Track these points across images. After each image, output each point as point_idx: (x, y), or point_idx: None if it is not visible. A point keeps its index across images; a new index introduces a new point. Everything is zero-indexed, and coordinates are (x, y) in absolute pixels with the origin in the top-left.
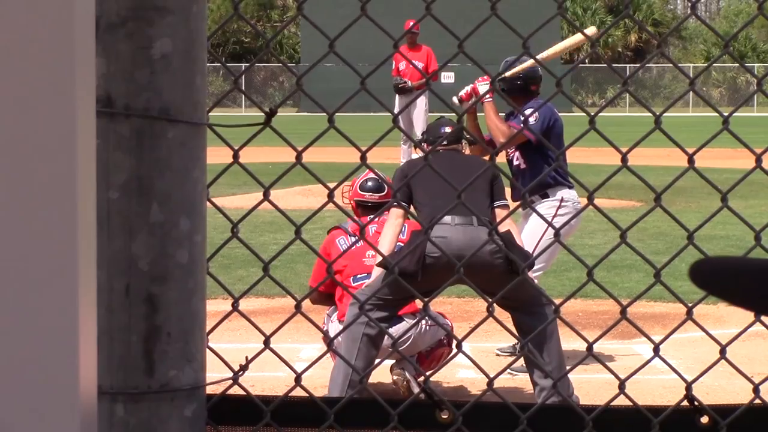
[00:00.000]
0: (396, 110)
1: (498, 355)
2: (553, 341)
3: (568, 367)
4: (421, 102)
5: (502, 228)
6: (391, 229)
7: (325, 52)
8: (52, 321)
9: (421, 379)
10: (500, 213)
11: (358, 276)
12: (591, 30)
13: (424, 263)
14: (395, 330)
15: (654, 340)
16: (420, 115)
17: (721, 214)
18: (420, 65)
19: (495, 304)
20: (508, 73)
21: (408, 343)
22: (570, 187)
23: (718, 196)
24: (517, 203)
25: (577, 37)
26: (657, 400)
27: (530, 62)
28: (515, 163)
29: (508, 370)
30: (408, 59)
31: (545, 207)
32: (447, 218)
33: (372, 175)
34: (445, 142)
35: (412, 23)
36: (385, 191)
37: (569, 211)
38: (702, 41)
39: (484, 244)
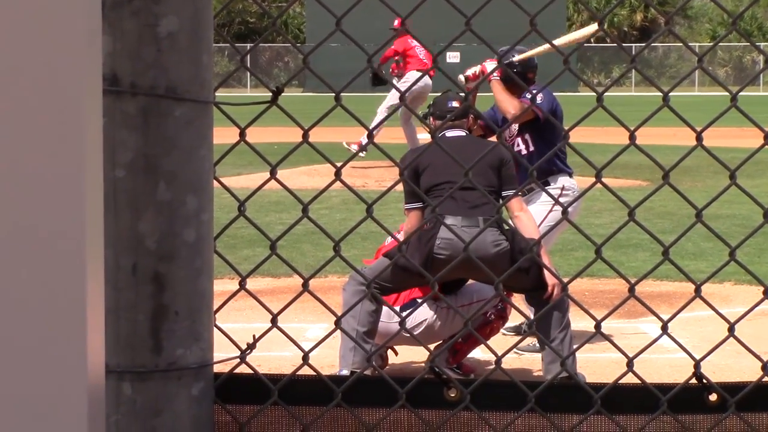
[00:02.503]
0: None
1: (504, 334)
2: (563, 320)
3: (575, 346)
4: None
5: (514, 218)
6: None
7: (330, 32)
8: (60, 300)
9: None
10: (511, 203)
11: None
12: (593, 27)
13: (432, 261)
14: (413, 317)
15: (662, 318)
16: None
17: (727, 194)
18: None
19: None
20: (518, 57)
21: (422, 328)
22: (570, 175)
23: (724, 176)
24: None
25: (589, 29)
26: (664, 378)
27: (544, 47)
28: (516, 149)
29: (515, 349)
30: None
31: (546, 195)
32: (452, 219)
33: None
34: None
35: (396, 21)
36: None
37: (569, 200)
38: (708, 20)
39: (480, 230)
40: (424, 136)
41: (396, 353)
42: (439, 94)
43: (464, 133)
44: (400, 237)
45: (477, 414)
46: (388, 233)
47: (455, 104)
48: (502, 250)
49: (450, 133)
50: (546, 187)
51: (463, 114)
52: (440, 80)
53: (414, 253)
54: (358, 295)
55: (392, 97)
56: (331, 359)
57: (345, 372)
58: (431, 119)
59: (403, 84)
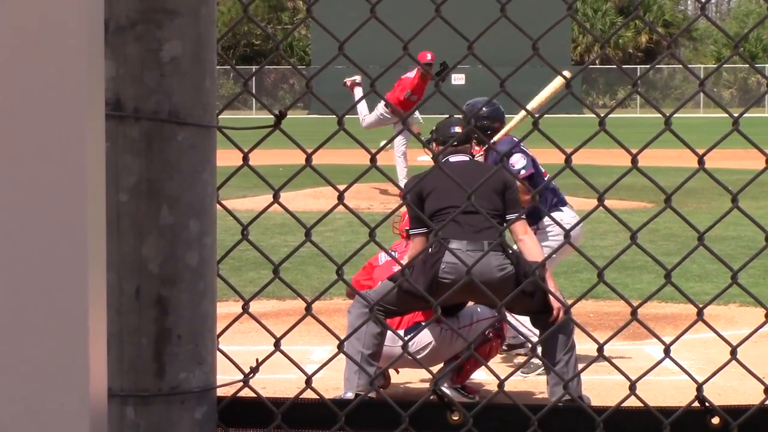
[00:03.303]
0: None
1: (505, 350)
2: (568, 342)
3: (579, 368)
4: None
5: (518, 241)
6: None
7: (334, 54)
8: (62, 323)
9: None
10: (515, 226)
11: None
12: (560, 80)
13: (437, 285)
14: (417, 341)
15: (665, 341)
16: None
17: (732, 215)
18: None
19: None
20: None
21: (427, 351)
22: (562, 209)
23: (728, 197)
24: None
25: (557, 82)
26: (668, 401)
27: (519, 116)
28: None
29: (519, 372)
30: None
31: (554, 230)
32: (457, 243)
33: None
34: (455, 143)
35: (429, 55)
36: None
37: (558, 231)
38: (713, 42)
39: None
40: (424, 158)
41: (397, 372)
42: (443, 119)
43: (467, 158)
44: (395, 254)
45: None
46: (391, 257)
47: (458, 129)
48: (507, 274)
49: (453, 158)
50: (546, 226)
51: (466, 139)
52: (442, 103)
53: (418, 276)
54: (362, 318)
55: (399, 144)
56: (336, 382)
57: (350, 395)
58: (434, 144)
59: (389, 115)
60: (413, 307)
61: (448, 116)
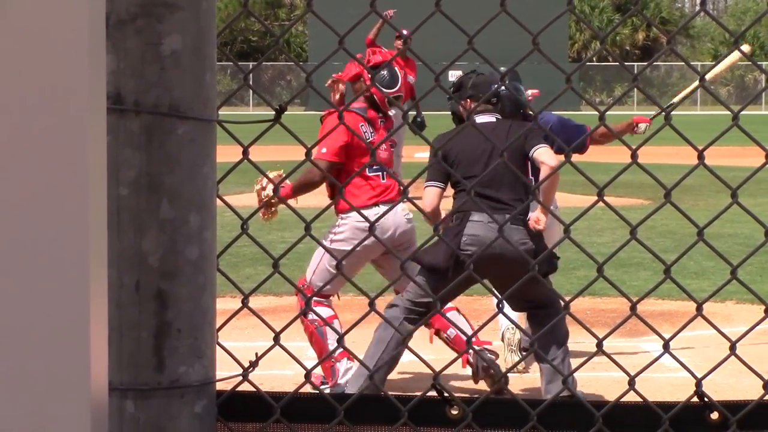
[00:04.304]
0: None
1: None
2: (562, 339)
3: (575, 364)
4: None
5: (543, 167)
6: (430, 221)
7: (332, 51)
8: (63, 317)
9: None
10: (540, 155)
11: (375, 167)
12: (746, 47)
13: (456, 259)
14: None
15: (664, 337)
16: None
17: (729, 212)
18: (413, 80)
19: (512, 307)
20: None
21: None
22: None
23: (726, 195)
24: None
25: (735, 55)
26: (666, 397)
27: (694, 86)
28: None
29: (517, 368)
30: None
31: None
32: (479, 215)
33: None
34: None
35: (405, 32)
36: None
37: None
38: (710, 39)
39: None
40: (421, 155)
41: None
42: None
43: (494, 119)
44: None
45: None
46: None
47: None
48: (527, 250)
49: (480, 119)
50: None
51: (496, 99)
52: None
53: (439, 251)
54: (396, 322)
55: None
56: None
57: (348, 390)
58: (468, 101)
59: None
60: (444, 287)
61: (475, 72)
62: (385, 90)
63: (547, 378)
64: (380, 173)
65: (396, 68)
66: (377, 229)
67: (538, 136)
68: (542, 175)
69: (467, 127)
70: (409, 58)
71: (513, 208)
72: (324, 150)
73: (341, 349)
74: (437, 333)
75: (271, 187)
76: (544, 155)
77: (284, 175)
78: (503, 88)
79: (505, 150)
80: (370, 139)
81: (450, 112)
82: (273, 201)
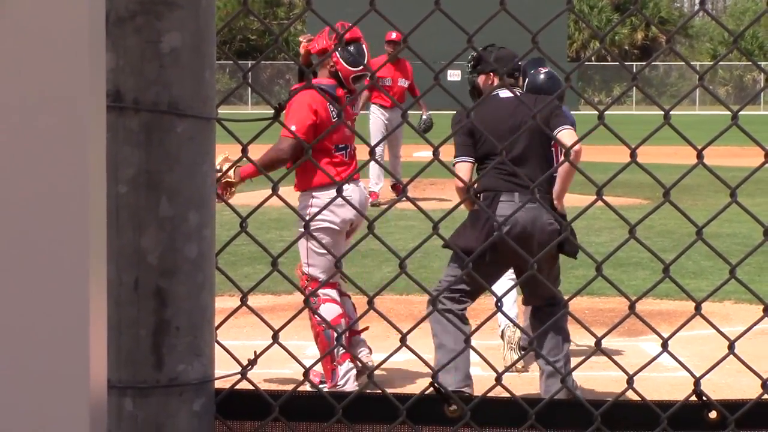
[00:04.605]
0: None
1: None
2: (564, 339)
3: (574, 364)
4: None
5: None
6: (462, 197)
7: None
8: (62, 315)
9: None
10: (563, 137)
11: (341, 146)
12: None
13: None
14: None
15: (662, 335)
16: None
17: (727, 212)
18: (406, 83)
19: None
20: None
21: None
22: None
23: (724, 194)
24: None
25: None
26: (664, 397)
27: None
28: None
29: (516, 366)
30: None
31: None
32: (508, 196)
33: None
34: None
35: (393, 35)
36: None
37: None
38: (708, 39)
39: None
40: (420, 154)
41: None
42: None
43: (512, 95)
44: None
45: (477, 430)
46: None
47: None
48: (555, 230)
49: (503, 94)
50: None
51: (513, 72)
52: (441, 97)
53: (471, 236)
54: (443, 320)
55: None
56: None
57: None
58: (491, 75)
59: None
60: (485, 275)
61: (494, 45)
62: (349, 67)
63: (546, 376)
64: (344, 151)
65: (364, 46)
66: (347, 206)
67: (563, 116)
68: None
69: (493, 101)
70: (400, 61)
71: (540, 187)
72: (294, 128)
73: (344, 351)
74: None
75: (227, 167)
76: (567, 137)
77: (232, 159)
78: (542, 75)
79: (532, 124)
80: (335, 118)
81: (469, 87)
82: (233, 181)
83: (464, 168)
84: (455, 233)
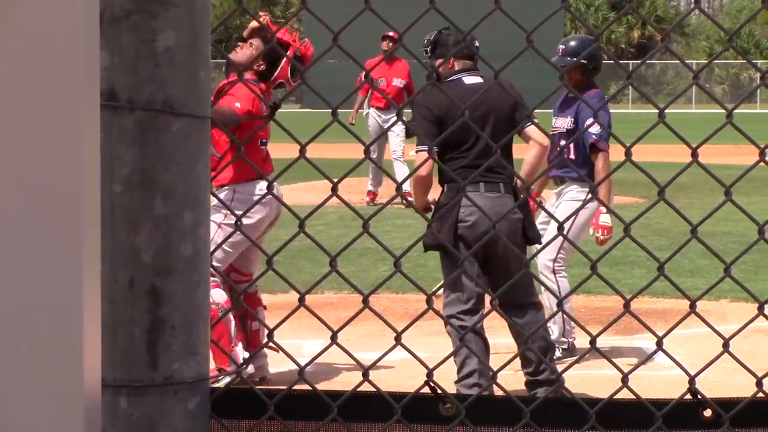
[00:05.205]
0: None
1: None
2: (549, 344)
3: (569, 361)
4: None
5: (533, 144)
6: (420, 188)
7: (327, 48)
8: (56, 313)
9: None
10: (531, 132)
11: (263, 141)
12: None
13: (456, 233)
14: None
15: (657, 334)
16: (396, 137)
17: (723, 211)
18: (402, 83)
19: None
20: None
21: None
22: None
23: (720, 193)
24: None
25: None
26: (659, 395)
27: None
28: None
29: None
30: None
31: (576, 190)
32: (473, 186)
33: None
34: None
35: (392, 34)
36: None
37: (588, 213)
38: (705, 38)
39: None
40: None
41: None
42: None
43: (481, 80)
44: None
45: (472, 429)
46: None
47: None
48: (517, 219)
49: (468, 80)
50: (579, 183)
51: (471, 55)
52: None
53: (440, 229)
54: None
55: (395, 143)
56: (328, 375)
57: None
58: (451, 60)
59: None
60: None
61: (449, 29)
62: (289, 75)
63: (533, 374)
64: (265, 146)
65: (282, 53)
66: (270, 202)
67: (526, 109)
68: (531, 152)
69: (456, 87)
70: (396, 60)
71: (504, 177)
72: (238, 105)
73: (237, 333)
74: (242, 318)
75: None
76: (536, 133)
77: None
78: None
79: (501, 116)
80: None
81: (427, 72)
82: None
83: (425, 157)
84: (426, 234)
